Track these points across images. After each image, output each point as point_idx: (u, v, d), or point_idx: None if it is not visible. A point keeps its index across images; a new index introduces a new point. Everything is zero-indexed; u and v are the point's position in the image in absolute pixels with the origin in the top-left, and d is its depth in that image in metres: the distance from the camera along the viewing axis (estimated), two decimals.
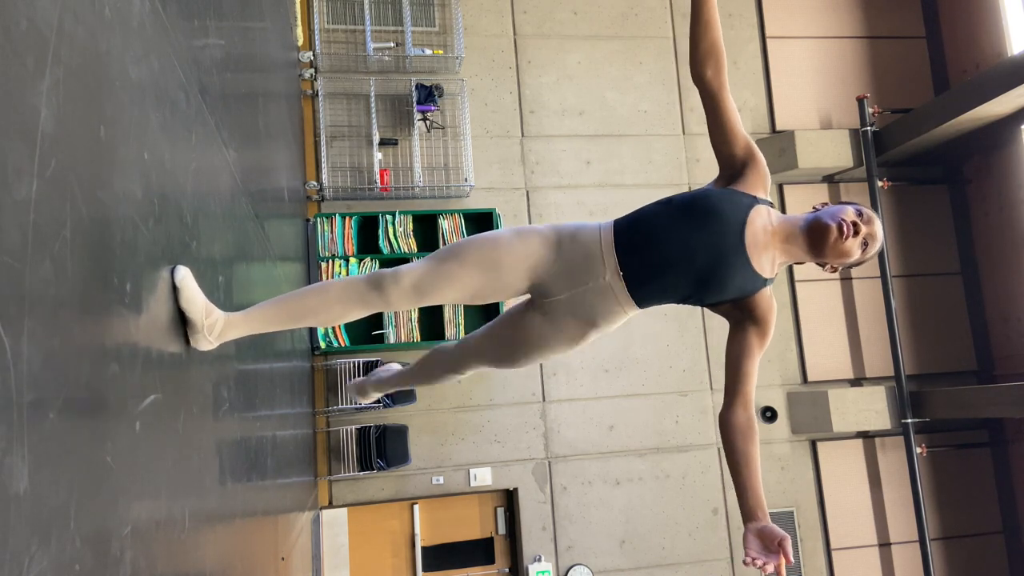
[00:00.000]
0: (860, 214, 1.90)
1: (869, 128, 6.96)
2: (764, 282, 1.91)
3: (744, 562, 1.64)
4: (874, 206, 6.95)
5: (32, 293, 1.01)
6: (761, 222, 1.89)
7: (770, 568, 1.64)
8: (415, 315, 5.93)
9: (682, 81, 7.15)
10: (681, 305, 2.07)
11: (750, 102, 7.26)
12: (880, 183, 6.95)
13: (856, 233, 1.87)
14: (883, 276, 6.91)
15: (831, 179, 7.29)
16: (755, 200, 1.91)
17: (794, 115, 7.29)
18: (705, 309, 2.07)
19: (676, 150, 7.02)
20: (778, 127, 7.22)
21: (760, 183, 1.95)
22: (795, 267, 7.07)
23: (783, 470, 6.80)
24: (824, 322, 7.07)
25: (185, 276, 1.75)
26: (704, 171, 7.05)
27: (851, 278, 7.20)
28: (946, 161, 7.37)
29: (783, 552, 1.62)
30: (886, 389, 6.72)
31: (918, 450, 6.66)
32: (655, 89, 7.03)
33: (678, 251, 1.85)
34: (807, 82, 7.38)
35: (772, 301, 1.94)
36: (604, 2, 7.11)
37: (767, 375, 6.89)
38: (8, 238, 0.95)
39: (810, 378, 6.97)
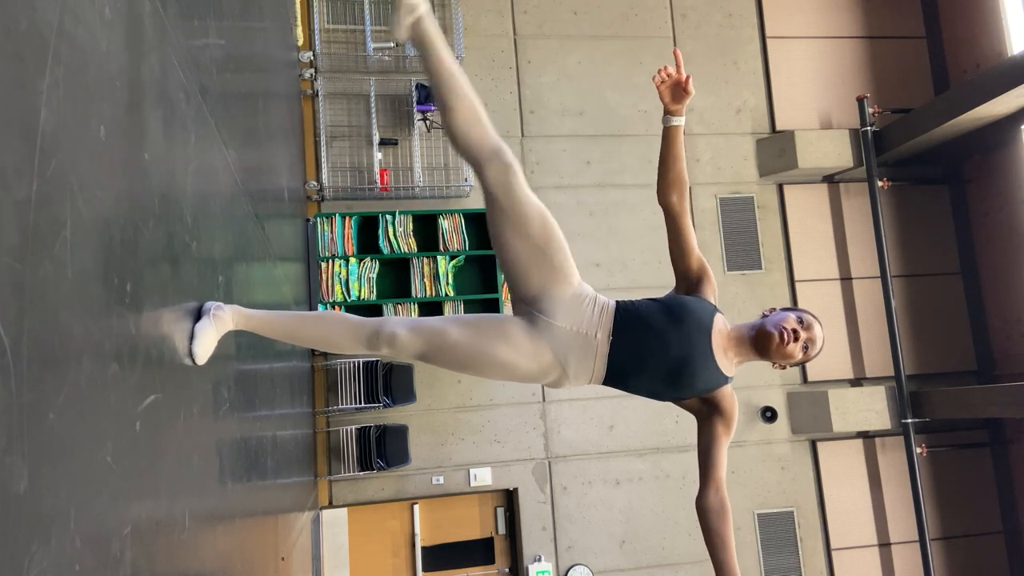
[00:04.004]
0: (801, 321, 2.13)
1: (869, 128, 6.96)
2: (726, 379, 2.13)
3: None
4: (874, 206, 6.95)
5: (32, 293, 1.01)
6: (719, 327, 2.12)
7: None
8: (415, 310, 5.92)
9: None
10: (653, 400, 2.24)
11: (750, 102, 7.26)
12: (880, 183, 6.95)
13: (796, 339, 2.10)
14: (883, 276, 6.91)
15: (831, 179, 7.29)
16: (716, 308, 2.16)
17: (794, 115, 7.29)
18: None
19: None
20: (778, 127, 7.22)
21: (712, 294, 2.21)
22: (794, 265, 7.08)
23: (783, 470, 6.80)
24: (824, 322, 7.05)
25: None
26: (704, 171, 7.05)
27: (851, 278, 7.21)
28: (946, 161, 7.37)
29: None
30: (886, 389, 6.72)
31: (918, 450, 6.66)
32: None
33: (658, 339, 2.05)
34: (807, 82, 7.38)
35: (734, 396, 2.17)
36: (604, 2, 7.11)
37: (767, 375, 6.89)
38: (8, 238, 0.95)
39: (810, 378, 6.97)
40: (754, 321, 2.19)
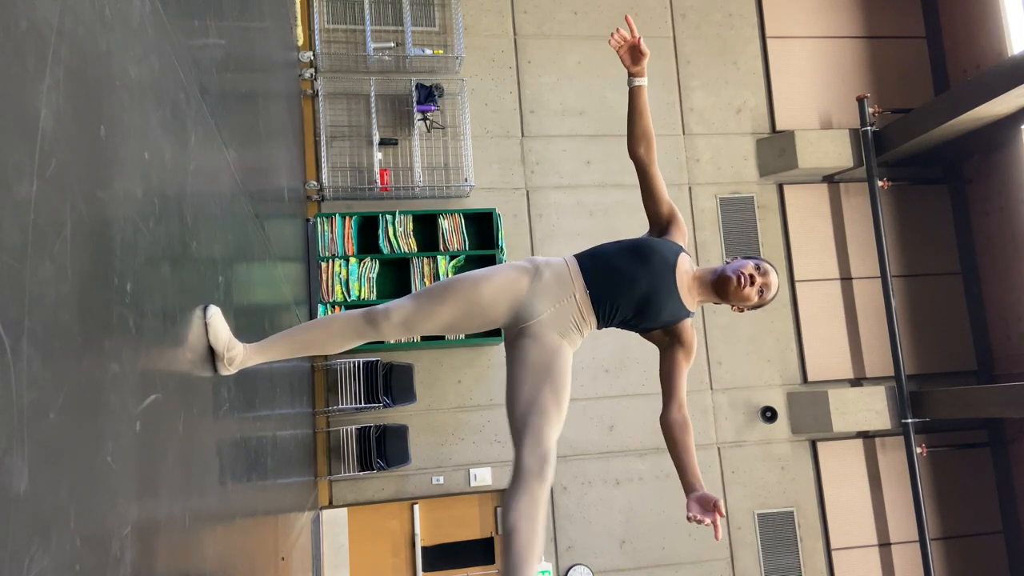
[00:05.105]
0: (758, 268, 2.34)
1: (869, 128, 6.96)
2: (688, 313, 2.34)
3: (688, 518, 2.04)
4: (874, 206, 6.95)
5: (32, 293, 1.01)
6: (685, 267, 2.34)
7: (707, 522, 2.01)
8: None
9: (682, 81, 7.15)
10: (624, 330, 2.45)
11: (750, 102, 7.26)
12: (880, 183, 6.95)
13: (752, 283, 2.31)
14: (883, 276, 6.91)
15: (831, 179, 7.29)
16: (681, 248, 2.38)
17: (794, 115, 7.29)
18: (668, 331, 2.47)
19: (676, 150, 7.03)
20: (778, 127, 7.22)
21: (682, 237, 2.44)
22: (794, 265, 7.08)
23: (783, 470, 6.80)
24: (824, 322, 7.07)
25: (214, 314, 2.07)
26: (704, 171, 7.05)
27: (851, 278, 7.21)
28: (946, 161, 7.37)
29: (717, 510, 2.03)
30: (886, 389, 6.72)
31: (918, 450, 6.66)
32: (655, 89, 7.03)
33: (627, 278, 2.27)
34: (807, 82, 7.38)
35: (694, 329, 2.39)
36: (604, 2, 7.11)
37: (767, 375, 6.89)
38: (8, 238, 0.95)
39: (810, 378, 6.97)
40: (716, 266, 2.42)
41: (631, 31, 2.33)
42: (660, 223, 2.47)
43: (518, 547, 2.10)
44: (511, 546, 2.11)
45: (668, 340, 2.37)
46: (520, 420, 2.19)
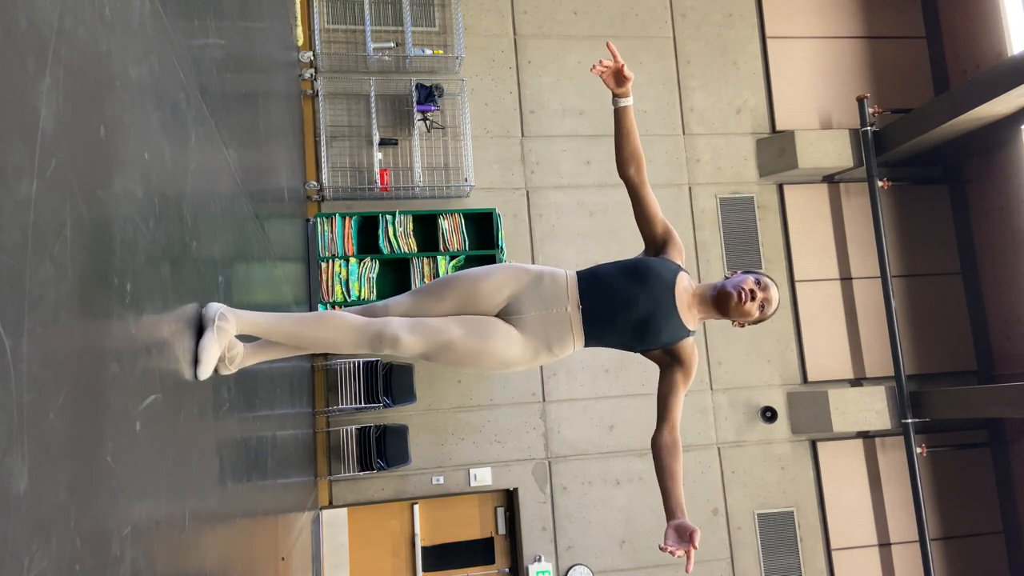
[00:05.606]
0: (758, 282, 2.33)
1: (869, 128, 6.96)
2: (688, 332, 2.33)
3: (659, 547, 2.01)
4: (874, 206, 6.95)
5: (32, 293, 1.01)
6: (684, 285, 2.33)
7: (680, 553, 1.99)
8: None
9: (682, 81, 7.15)
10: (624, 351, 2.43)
11: (750, 102, 7.26)
12: (880, 183, 6.95)
13: (753, 298, 2.30)
14: (883, 276, 6.91)
15: (831, 179, 7.29)
16: (680, 267, 2.37)
17: (794, 115, 7.29)
18: (668, 348, 2.44)
19: (676, 150, 7.03)
20: (778, 127, 7.22)
21: (679, 255, 2.42)
22: (794, 265, 7.07)
23: (783, 470, 6.80)
24: (824, 322, 7.07)
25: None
26: (704, 171, 7.05)
27: (851, 278, 7.21)
28: (946, 161, 7.37)
29: (691, 541, 1.99)
30: (886, 389, 6.72)
31: (918, 450, 6.66)
32: (655, 89, 7.03)
33: (625, 300, 2.26)
34: (807, 82, 7.38)
35: (695, 349, 2.36)
36: (604, 2, 7.11)
37: (767, 375, 6.89)
38: (8, 238, 0.95)
39: (810, 378, 6.97)
40: (716, 282, 2.41)
41: (614, 58, 2.30)
42: (656, 243, 2.44)
43: (324, 330, 2.14)
44: (324, 320, 2.15)
45: (668, 359, 2.35)
46: (436, 321, 2.20)
